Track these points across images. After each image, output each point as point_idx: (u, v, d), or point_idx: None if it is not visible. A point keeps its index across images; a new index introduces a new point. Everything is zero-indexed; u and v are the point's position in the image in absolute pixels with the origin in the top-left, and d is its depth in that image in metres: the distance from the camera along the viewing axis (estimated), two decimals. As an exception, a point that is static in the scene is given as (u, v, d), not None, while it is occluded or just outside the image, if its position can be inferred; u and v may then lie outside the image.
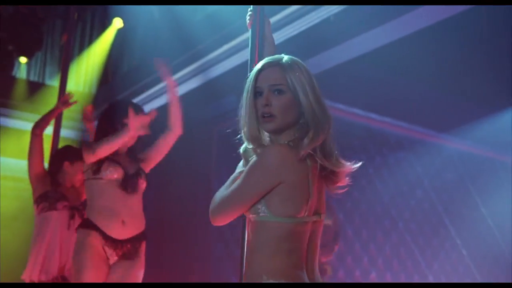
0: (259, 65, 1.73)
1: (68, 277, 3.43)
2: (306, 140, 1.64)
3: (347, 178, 1.77)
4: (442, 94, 5.76)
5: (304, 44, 4.56)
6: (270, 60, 1.73)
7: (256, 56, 2.26)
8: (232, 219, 1.70)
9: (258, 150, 1.69)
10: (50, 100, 3.79)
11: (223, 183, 1.77)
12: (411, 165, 6.75)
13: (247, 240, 1.69)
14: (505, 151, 7.25)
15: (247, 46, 2.32)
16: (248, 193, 1.63)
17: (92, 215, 3.11)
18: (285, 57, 1.74)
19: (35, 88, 6.76)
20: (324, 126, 1.67)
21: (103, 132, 3.17)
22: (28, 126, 6.50)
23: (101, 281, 2.98)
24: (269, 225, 1.62)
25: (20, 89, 6.68)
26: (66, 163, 3.63)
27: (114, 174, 3.11)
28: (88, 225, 3.09)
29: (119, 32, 6.40)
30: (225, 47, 4.99)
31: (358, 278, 6.01)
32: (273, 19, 4.43)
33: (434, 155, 6.87)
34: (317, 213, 1.69)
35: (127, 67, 6.84)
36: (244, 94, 1.71)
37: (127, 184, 3.13)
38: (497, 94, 5.50)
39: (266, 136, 1.73)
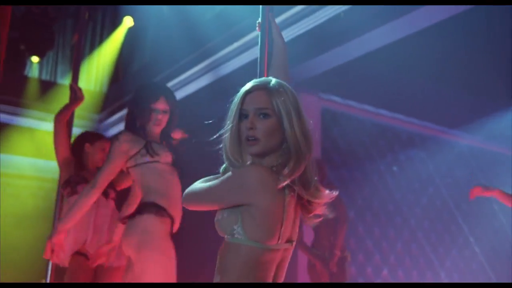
0: (247, 87, 1.72)
1: (91, 254, 3.41)
2: (286, 170, 1.63)
3: (324, 207, 1.74)
4: (453, 90, 5.74)
5: (314, 41, 4.56)
6: (257, 83, 1.72)
7: (266, 55, 2.25)
8: (198, 210, 1.74)
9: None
10: (62, 99, 3.83)
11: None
12: (422, 162, 6.72)
13: (217, 260, 1.67)
14: (517, 146, 7.21)
15: (257, 44, 2.33)
16: (216, 198, 1.66)
17: (159, 200, 2.89)
18: (273, 81, 1.73)
19: (47, 87, 6.81)
20: (305, 156, 1.66)
21: (131, 116, 3.05)
22: (41, 125, 6.58)
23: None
24: (242, 248, 1.61)
25: (32, 88, 6.73)
26: (87, 145, 3.71)
27: (169, 157, 2.99)
28: (158, 210, 2.87)
29: (130, 30, 6.43)
30: (235, 45, 5.00)
31: (370, 275, 6.00)
32: (283, 17, 4.43)
33: (445, 151, 6.84)
34: (289, 240, 1.68)
35: (137, 66, 6.88)
36: (229, 115, 1.71)
37: (177, 168, 3.03)
38: (509, 90, 5.46)
39: (248, 159, 1.71)
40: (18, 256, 5.79)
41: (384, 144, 6.49)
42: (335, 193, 1.73)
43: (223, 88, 5.25)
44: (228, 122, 1.71)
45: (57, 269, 3.56)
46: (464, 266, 6.73)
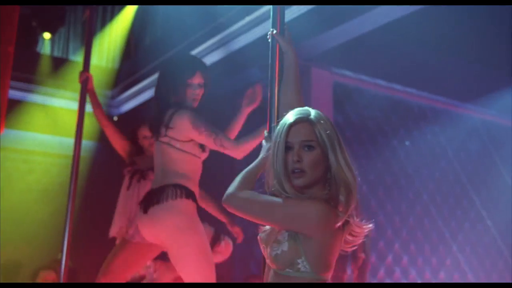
0: (289, 120, 1.76)
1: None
2: (343, 206, 1.69)
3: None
4: (466, 63, 5.68)
5: (326, 16, 4.52)
6: (300, 116, 1.77)
7: (277, 53, 2.21)
8: (237, 214, 1.77)
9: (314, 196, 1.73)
10: (74, 75, 3.86)
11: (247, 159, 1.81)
12: (435, 136, 6.69)
13: None
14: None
15: (269, 17, 2.31)
16: (274, 216, 1.70)
17: (187, 183, 2.84)
18: (313, 112, 1.78)
19: (59, 63, 6.82)
20: (354, 187, 1.71)
21: (164, 93, 2.92)
22: (53, 101, 6.61)
23: None
24: (309, 282, 1.66)
25: (44, 65, 6.75)
26: (140, 129, 3.79)
27: (207, 153, 2.96)
28: (190, 193, 2.84)
29: (141, 6, 6.40)
30: (247, 19, 4.97)
31: (382, 248, 6.03)
32: (295, -10, 4.39)
33: (458, 125, 6.80)
34: None
35: (149, 41, 6.86)
36: (274, 148, 1.75)
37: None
38: (524, 63, 5.39)
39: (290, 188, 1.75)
40: (34, 231, 5.88)
41: (397, 118, 6.46)
42: (372, 226, 1.82)
43: (236, 63, 5.24)
44: (273, 154, 1.75)
45: (73, 244, 3.60)
46: (476, 240, 6.74)
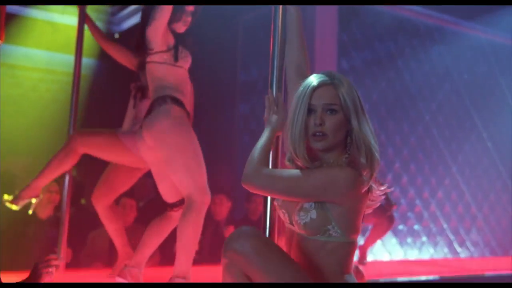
0: (313, 83, 1.75)
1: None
2: (367, 171, 1.70)
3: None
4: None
5: None
6: (324, 79, 1.76)
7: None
8: (256, 192, 1.79)
9: (334, 164, 1.75)
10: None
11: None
12: (440, 56, 6.61)
13: (301, 258, 1.73)
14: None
15: None
16: (300, 191, 1.70)
17: (176, 94, 2.94)
18: (337, 76, 1.77)
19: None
20: (377, 151, 1.73)
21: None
22: (54, 17, 6.47)
23: None
24: (339, 246, 1.70)
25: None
26: None
27: (189, 62, 3.02)
28: (179, 101, 2.92)
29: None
30: None
31: (382, 168, 6.10)
32: None
33: (465, 46, 6.70)
34: None
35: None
36: (295, 109, 1.74)
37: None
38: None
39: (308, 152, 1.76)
40: (37, 147, 5.91)
41: (402, 38, 6.36)
42: (392, 188, 1.85)
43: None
44: (295, 116, 1.74)
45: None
46: (476, 161, 6.82)
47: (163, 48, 2.91)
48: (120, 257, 3.47)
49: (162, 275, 2.74)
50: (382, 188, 1.80)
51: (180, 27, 3.00)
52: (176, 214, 2.96)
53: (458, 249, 6.57)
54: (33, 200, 3.31)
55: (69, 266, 3.74)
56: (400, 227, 6.07)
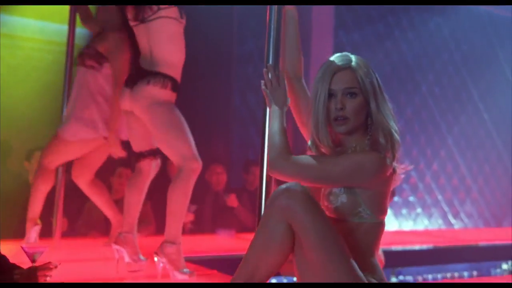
0: (331, 67, 1.78)
1: None
2: (390, 153, 1.75)
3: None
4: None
5: None
6: (342, 63, 1.78)
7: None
8: (284, 179, 1.80)
9: (357, 148, 1.79)
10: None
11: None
12: (438, 26, 6.56)
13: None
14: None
15: None
16: (332, 178, 1.74)
17: (168, 70, 2.94)
18: (354, 58, 1.80)
19: None
20: (396, 130, 1.77)
21: None
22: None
23: None
24: (370, 227, 1.75)
25: None
26: None
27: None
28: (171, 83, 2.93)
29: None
30: None
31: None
32: None
33: (463, 16, 6.65)
34: None
35: None
36: (316, 96, 1.77)
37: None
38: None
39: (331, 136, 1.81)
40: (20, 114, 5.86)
41: (400, 8, 6.30)
42: (412, 167, 1.91)
43: None
44: (316, 102, 1.77)
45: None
46: (472, 133, 6.83)
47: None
48: (113, 226, 3.51)
49: (158, 243, 2.76)
50: (402, 167, 1.85)
51: None
52: (145, 166, 3.00)
53: (452, 221, 6.63)
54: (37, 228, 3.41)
55: (65, 235, 3.76)
56: (395, 198, 6.11)
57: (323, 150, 1.82)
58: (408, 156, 6.30)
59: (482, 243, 5.11)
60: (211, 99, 5.71)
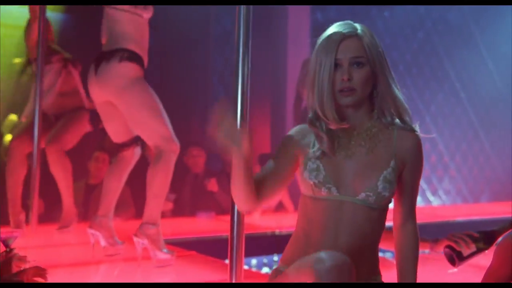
0: (336, 35, 1.62)
1: None
2: (409, 123, 1.69)
3: None
4: None
5: None
6: (347, 30, 1.62)
7: None
8: None
9: (372, 131, 1.65)
10: None
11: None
12: (414, 6, 6.57)
13: (361, 231, 1.60)
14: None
15: None
16: None
17: (132, 46, 2.92)
18: (359, 26, 1.65)
19: None
20: (405, 102, 1.67)
21: None
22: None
23: None
24: (385, 214, 1.64)
25: None
26: None
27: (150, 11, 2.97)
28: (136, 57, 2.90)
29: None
30: None
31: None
32: None
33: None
34: None
35: None
36: (319, 65, 1.61)
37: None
38: None
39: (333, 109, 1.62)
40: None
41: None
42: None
43: None
44: (320, 73, 1.60)
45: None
46: (449, 111, 6.89)
47: None
48: (64, 213, 3.51)
49: (136, 227, 2.74)
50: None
51: None
52: (128, 154, 2.98)
53: (431, 198, 6.70)
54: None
55: (42, 219, 3.73)
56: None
57: (328, 125, 1.63)
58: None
59: (460, 218, 5.18)
60: (188, 80, 5.68)
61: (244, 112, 2.18)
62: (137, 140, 2.98)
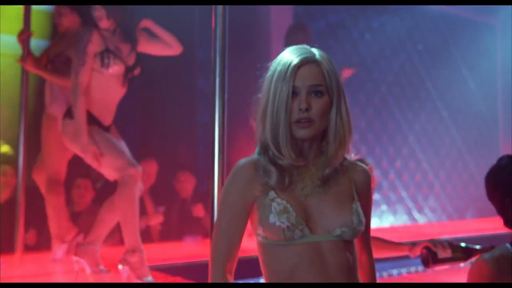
0: (294, 60, 1.46)
1: None
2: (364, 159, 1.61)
3: None
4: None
5: None
6: (306, 56, 1.47)
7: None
8: None
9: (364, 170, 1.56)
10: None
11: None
12: (395, 28, 6.69)
13: (346, 265, 1.48)
14: (490, 12, 7.18)
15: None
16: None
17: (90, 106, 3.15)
18: (317, 51, 1.49)
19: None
20: (350, 141, 1.50)
21: None
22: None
23: None
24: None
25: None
26: None
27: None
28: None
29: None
30: None
31: (341, 140, 6.18)
32: None
33: (418, 17, 6.80)
34: None
35: None
36: (274, 94, 1.45)
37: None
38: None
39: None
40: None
41: (357, 10, 6.40)
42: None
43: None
44: (275, 102, 1.44)
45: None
46: (432, 130, 6.97)
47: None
48: (53, 239, 3.51)
49: (122, 253, 2.75)
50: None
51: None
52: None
53: (417, 216, 6.75)
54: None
55: (33, 248, 3.73)
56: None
57: (282, 164, 1.45)
58: (371, 155, 6.40)
59: (446, 236, 5.22)
60: (174, 107, 5.71)
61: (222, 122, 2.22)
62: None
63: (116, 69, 3.00)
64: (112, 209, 2.98)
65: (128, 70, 3.06)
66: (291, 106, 1.44)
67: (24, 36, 3.59)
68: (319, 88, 1.45)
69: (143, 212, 4.65)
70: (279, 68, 1.46)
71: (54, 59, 3.55)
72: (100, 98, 3.01)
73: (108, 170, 2.93)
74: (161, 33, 3.25)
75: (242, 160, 1.50)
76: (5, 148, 4.68)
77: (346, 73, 4.33)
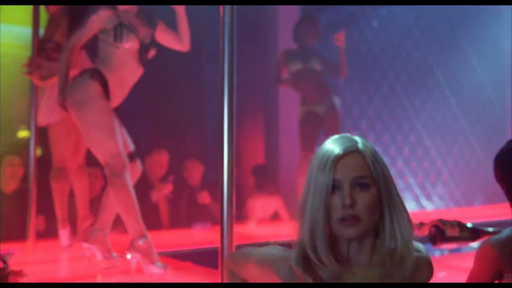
0: (335, 151, 1.29)
1: None
2: (424, 252, 1.36)
3: None
4: None
5: None
6: (348, 145, 1.30)
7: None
8: None
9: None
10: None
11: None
12: (402, 15, 6.66)
13: None
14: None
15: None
16: None
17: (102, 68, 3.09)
18: (360, 140, 1.34)
19: None
20: (412, 238, 1.33)
21: None
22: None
23: None
24: None
25: None
26: None
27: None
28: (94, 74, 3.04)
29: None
30: None
31: (349, 127, 6.20)
32: None
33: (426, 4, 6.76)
34: None
35: None
36: (313, 188, 1.28)
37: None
38: None
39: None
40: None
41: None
42: None
43: None
44: (312, 200, 1.28)
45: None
46: (440, 117, 6.96)
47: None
48: (80, 222, 3.56)
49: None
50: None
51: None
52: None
53: (425, 203, 6.77)
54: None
55: (42, 235, 3.78)
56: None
57: (318, 272, 1.29)
58: (379, 143, 6.41)
59: (453, 223, 5.22)
60: (183, 95, 5.74)
61: (231, 118, 2.22)
62: (132, 156, 3.03)
63: (130, 44, 2.99)
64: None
65: (143, 48, 3.03)
66: (333, 203, 1.27)
67: (31, 62, 3.62)
68: (365, 180, 1.29)
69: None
70: (318, 160, 1.31)
71: (45, 47, 3.57)
72: (116, 77, 2.98)
73: (99, 149, 2.90)
74: (183, 25, 3.21)
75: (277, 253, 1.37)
76: (24, 133, 4.74)
77: (339, 41, 4.17)
